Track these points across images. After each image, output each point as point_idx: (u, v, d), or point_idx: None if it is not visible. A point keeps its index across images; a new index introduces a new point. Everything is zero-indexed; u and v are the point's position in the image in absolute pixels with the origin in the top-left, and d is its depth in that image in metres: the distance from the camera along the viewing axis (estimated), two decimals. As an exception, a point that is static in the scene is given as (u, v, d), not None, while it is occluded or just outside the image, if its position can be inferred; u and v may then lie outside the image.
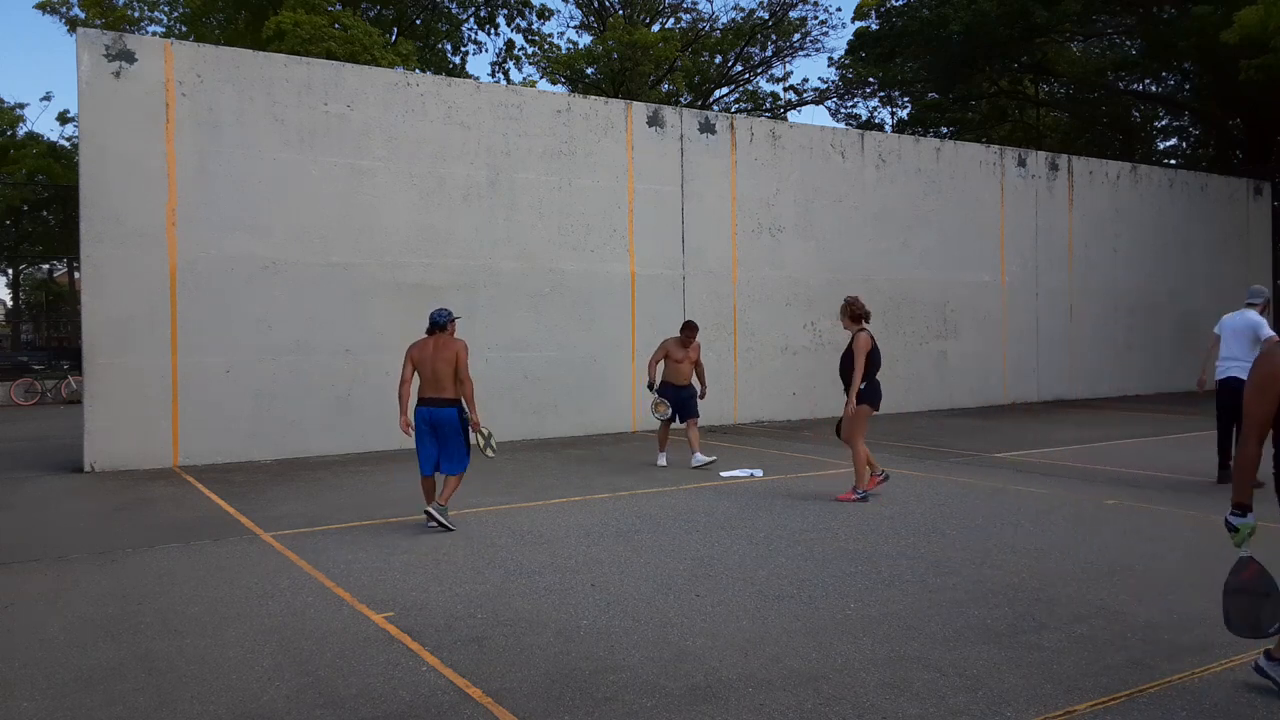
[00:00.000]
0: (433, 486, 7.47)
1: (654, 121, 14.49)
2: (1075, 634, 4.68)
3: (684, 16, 37.68)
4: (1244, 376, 8.82)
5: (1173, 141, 36.53)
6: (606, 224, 13.99)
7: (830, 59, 55.51)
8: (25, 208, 35.16)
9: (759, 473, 9.99)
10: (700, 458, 10.37)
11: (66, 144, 34.15)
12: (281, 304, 11.71)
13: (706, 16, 41.27)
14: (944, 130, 34.16)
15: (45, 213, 35.94)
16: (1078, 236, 19.22)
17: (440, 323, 7.39)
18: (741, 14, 43.83)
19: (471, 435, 7.42)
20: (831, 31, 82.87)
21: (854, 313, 8.30)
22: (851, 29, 48.38)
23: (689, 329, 10.64)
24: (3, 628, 5.03)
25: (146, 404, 10.95)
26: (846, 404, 8.24)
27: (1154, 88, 32.50)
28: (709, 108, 35.47)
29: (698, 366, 10.69)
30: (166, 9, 30.67)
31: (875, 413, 8.43)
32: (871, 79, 35.51)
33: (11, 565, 6.40)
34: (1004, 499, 8.40)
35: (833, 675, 4.18)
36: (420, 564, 6.27)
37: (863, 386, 8.15)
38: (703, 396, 10.84)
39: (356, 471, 10.49)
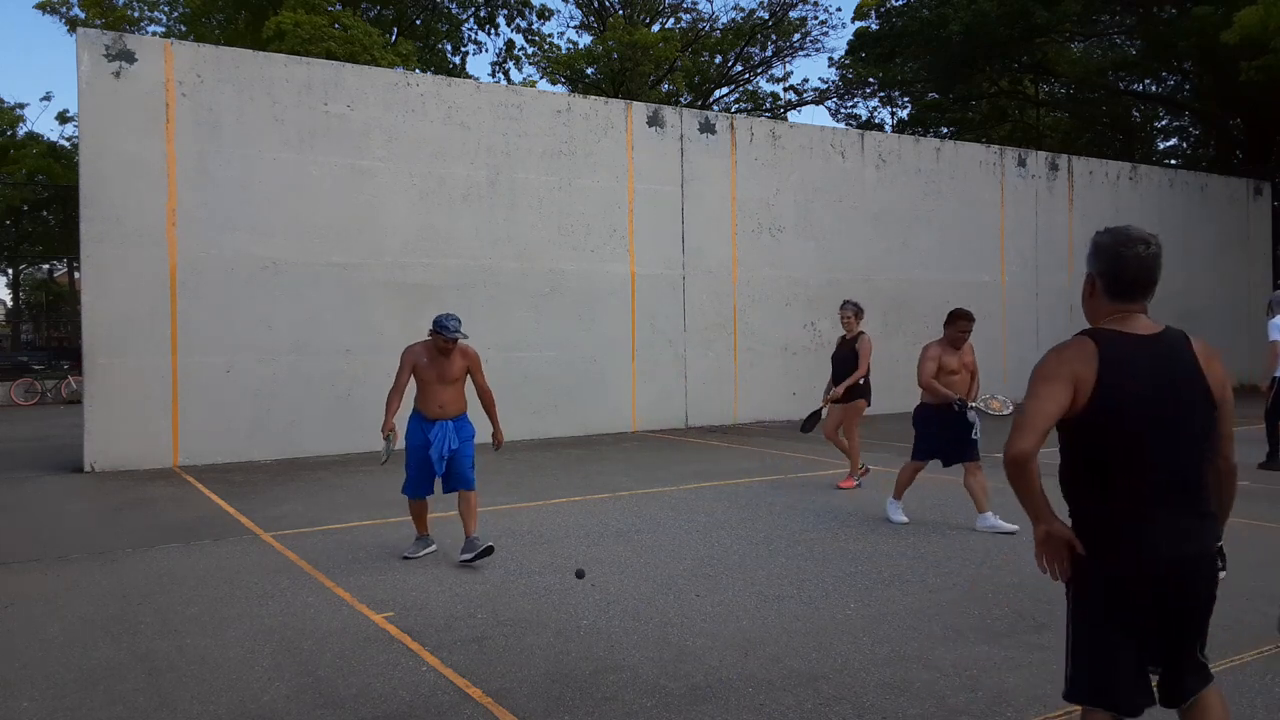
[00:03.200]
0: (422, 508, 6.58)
1: (654, 121, 14.49)
2: (1075, 634, 4.68)
3: (684, 16, 37.70)
4: None
5: (1173, 141, 36.56)
6: (606, 224, 13.99)
7: (830, 59, 55.59)
8: (25, 208, 35.14)
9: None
10: (992, 520, 7.14)
11: (66, 144, 34.14)
12: (281, 304, 11.71)
13: (706, 16, 41.27)
14: (944, 130, 34.15)
15: (45, 213, 35.92)
16: (1078, 236, 19.21)
17: None
18: (741, 14, 43.86)
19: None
20: (831, 31, 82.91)
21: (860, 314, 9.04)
22: (851, 29, 48.39)
23: (959, 322, 7.24)
24: (3, 628, 5.03)
25: (146, 404, 10.95)
26: (830, 399, 9.00)
27: (1154, 88, 32.50)
28: (709, 108, 35.47)
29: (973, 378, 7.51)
30: (166, 9, 30.68)
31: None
32: (871, 79, 35.51)
33: (11, 565, 6.40)
34: (1004, 499, 8.38)
35: (833, 675, 4.18)
36: (420, 564, 6.27)
37: (861, 383, 8.87)
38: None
39: (356, 471, 10.49)
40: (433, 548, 6.51)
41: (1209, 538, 2.53)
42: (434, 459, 6.20)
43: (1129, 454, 2.46)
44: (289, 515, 8.05)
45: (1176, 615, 2.50)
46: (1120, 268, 2.51)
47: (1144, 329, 2.51)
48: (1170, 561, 2.46)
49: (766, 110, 39.24)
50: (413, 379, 6.32)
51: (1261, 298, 20.39)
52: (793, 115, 40.84)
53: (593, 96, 15.78)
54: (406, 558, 6.37)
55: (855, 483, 9.14)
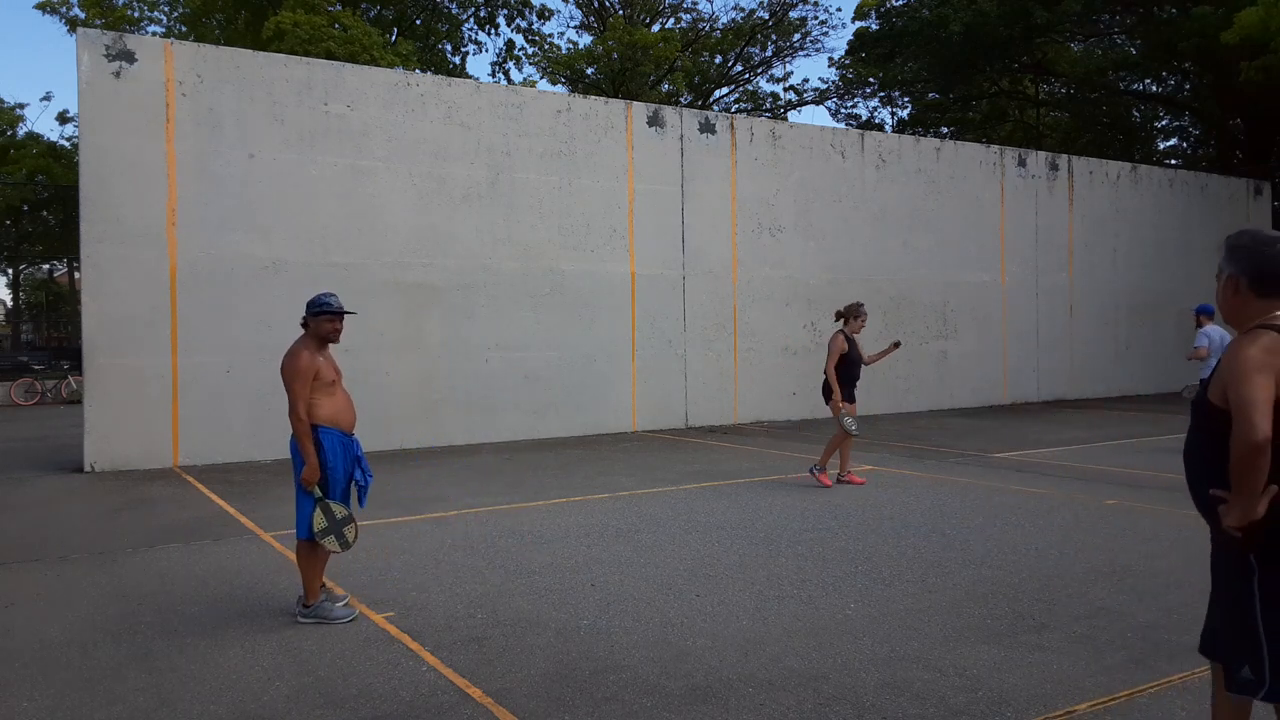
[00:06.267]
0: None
1: (654, 121, 14.49)
2: (1075, 634, 4.68)
3: (684, 16, 37.72)
4: None
5: (1173, 141, 36.55)
6: (606, 224, 13.99)
7: (830, 59, 55.41)
8: (25, 208, 35.14)
9: None
10: None
11: (66, 144, 34.15)
12: (281, 304, 11.70)
13: (706, 16, 41.28)
14: (944, 130, 34.16)
15: (45, 213, 35.92)
16: (1078, 236, 19.22)
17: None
18: (741, 14, 43.81)
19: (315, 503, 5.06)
20: (831, 32, 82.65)
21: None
22: (851, 29, 48.41)
23: None
24: (3, 628, 5.03)
25: (146, 404, 10.94)
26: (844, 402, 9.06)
27: (1154, 88, 32.49)
28: (709, 108, 35.47)
29: None
30: (166, 9, 30.67)
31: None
32: (871, 79, 35.50)
33: (11, 565, 6.40)
34: (1004, 499, 8.40)
35: (833, 675, 4.18)
36: (420, 564, 6.27)
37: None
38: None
39: (356, 471, 10.47)
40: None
41: None
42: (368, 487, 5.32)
43: None
44: (289, 515, 8.02)
45: None
46: (1266, 265, 2.65)
47: None
48: None
49: (766, 110, 39.24)
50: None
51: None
52: (793, 115, 40.89)
53: (593, 96, 15.78)
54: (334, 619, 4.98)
55: (859, 477, 9.36)
